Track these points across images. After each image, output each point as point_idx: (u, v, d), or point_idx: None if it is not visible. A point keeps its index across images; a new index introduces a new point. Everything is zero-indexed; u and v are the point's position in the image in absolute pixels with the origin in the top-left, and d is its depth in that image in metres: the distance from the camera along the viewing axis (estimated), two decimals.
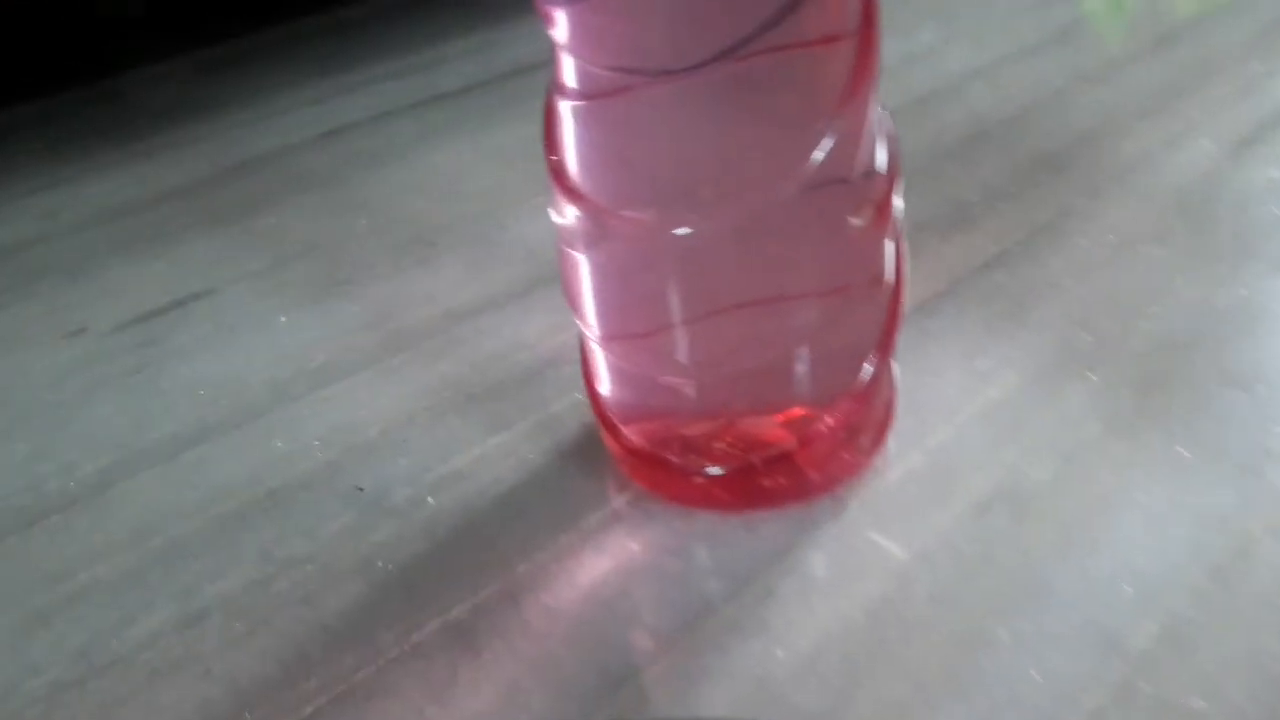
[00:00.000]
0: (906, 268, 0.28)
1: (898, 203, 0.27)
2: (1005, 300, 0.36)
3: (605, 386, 0.29)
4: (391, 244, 0.45)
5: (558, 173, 0.26)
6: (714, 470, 0.28)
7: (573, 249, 0.27)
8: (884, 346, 0.28)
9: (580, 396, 0.33)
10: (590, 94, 0.25)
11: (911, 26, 0.64)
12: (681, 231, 0.25)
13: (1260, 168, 0.43)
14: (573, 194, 0.26)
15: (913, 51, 0.60)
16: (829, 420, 0.27)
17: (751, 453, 0.27)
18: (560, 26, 0.25)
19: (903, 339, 0.28)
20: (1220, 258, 0.37)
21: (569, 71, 0.25)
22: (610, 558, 0.27)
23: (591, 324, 0.28)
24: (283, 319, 0.40)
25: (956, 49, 0.61)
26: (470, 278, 0.41)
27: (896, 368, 0.30)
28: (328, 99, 0.65)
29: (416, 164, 0.54)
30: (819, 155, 0.24)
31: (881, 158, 0.27)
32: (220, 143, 0.60)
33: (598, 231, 0.26)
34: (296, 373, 0.36)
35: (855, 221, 0.25)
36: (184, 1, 0.83)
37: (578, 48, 0.25)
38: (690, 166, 0.25)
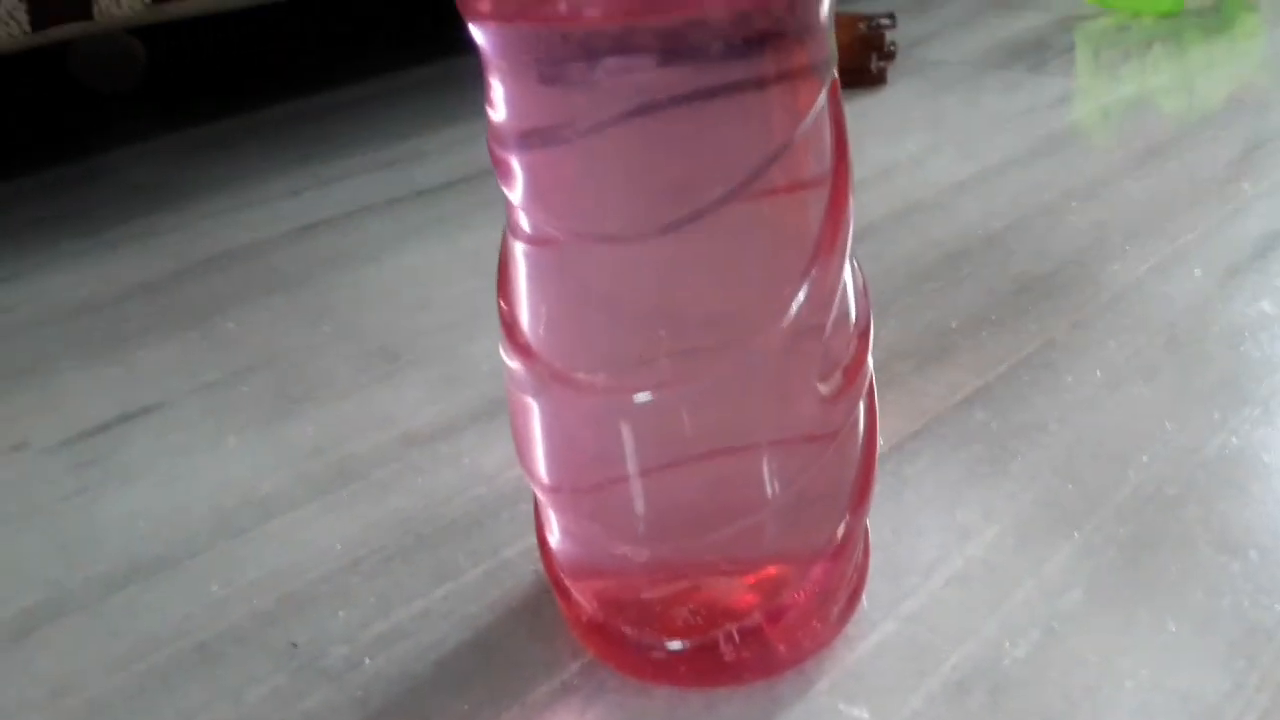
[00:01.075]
0: (878, 426, 0.27)
1: (869, 361, 0.25)
2: (986, 442, 0.35)
3: (555, 538, 0.27)
4: (354, 355, 0.43)
5: (508, 324, 0.25)
6: (673, 645, 0.26)
7: (521, 393, 0.26)
8: (857, 504, 0.26)
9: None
10: (542, 240, 0.24)
11: (898, 133, 0.64)
12: (641, 398, 0.23)
13: (1251, 300, 0.42)
14: (523, 349, 0.24)
15: (897, 160, 0.59)
16: (802, 590, 0.26)
17: (716, 626, 0.25)
18: (517, 181, 0.23)
19: (877, 486, 0.27)
20: (1210, 400, 0.36)
21: (523, 213, 0.24)
22: None
23: (539, 473, 0.26)
24: (232, 440, 0.38)
25: (942, 159, 0.60)
26: (432, 397, 0.40)
27: (868, 524, 0.28)
28: (305, 190, 0.64)
29: (389, 266, 0.53)
30: (792, 311, 0.23)
31: (854, 310, 0.25)
32: (190, 234, 0.59)
33: (546, 388, 0.24)
34: (241, 503, 0.34)
35: (824, 389, 0.24)
36: (175, 80, 0.83)
37: (529, 205, 0.23)
38: (652, 326, 0.23)
